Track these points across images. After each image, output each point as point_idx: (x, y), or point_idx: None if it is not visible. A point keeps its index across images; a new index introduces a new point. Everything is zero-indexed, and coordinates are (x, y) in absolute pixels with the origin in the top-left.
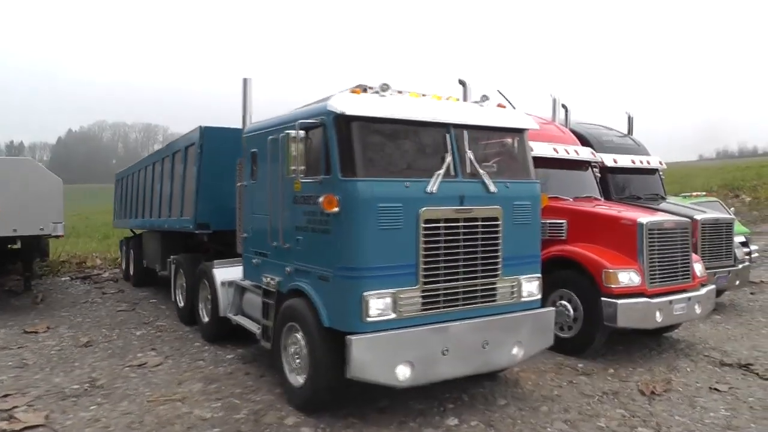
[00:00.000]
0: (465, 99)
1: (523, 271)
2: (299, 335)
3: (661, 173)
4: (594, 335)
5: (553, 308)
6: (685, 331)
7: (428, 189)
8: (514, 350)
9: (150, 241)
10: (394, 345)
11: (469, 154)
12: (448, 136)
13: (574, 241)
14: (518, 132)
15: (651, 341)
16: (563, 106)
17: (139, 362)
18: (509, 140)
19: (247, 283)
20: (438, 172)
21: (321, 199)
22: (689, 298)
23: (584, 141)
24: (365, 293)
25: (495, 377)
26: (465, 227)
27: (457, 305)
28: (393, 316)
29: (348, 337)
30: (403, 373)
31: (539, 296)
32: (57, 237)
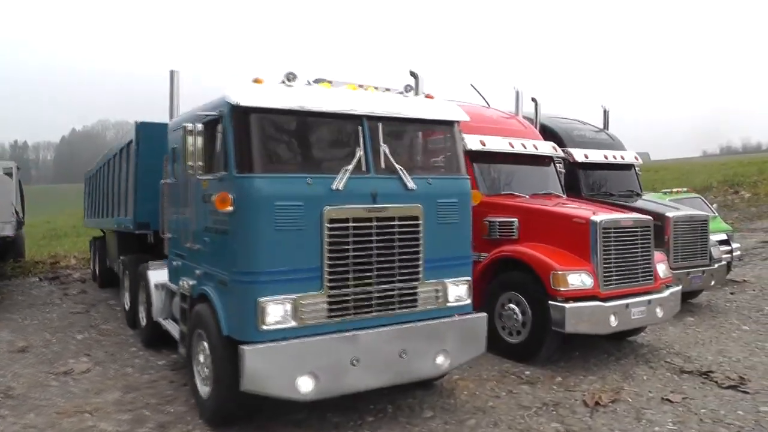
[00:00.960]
0: (417, 92)
1: (450, 274)
2: (205, 343)
3: (637, 169)
4: (543, 341)
5: (485, 314)
6: (651, 335)
7: (334, 186)
8: (439, 359)
9: (110, 240)
10: (294, 356)
11: (384, 148)
12: (360, 128)
13: (526, 240)
14: (446, 124)
15: (612, 346)
16: (533, 99)
17: (66, 369)
18: (436, 133)
19: (174, 286)
20: (346, 167)
21: (214, 198)
22: (649, 301)
23: (554, 136)
24: (261, 299)
25: (430, 386)
26: (379, 227)
27: (371, 312)
28: (293, 324)
29: (241, 347)
30: (305, 386)
31: (469, 301)
32: (5, 238)
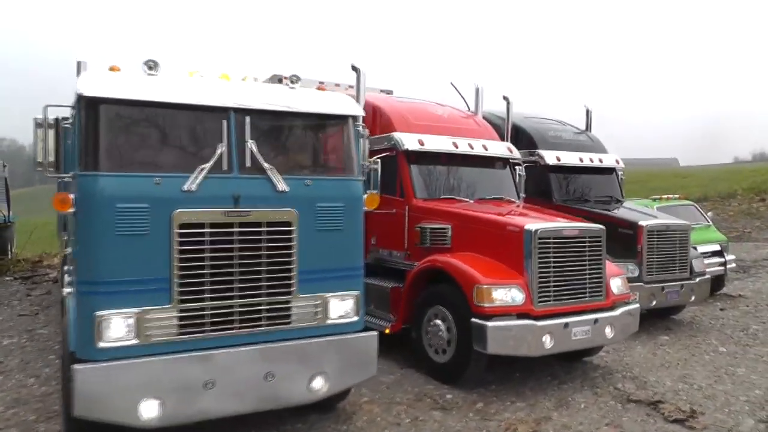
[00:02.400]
0: (358, 87)
1: (333, 288)
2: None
3: (620, 174)
4: (468, 362)
5: (375, 332)
6: (613, 355)
7: (185, 187)
8: (315, 383)
9: None
10: (135, 377)
11: (251, 145)
12: (225, 123)
13: (459, 249)
14: (337, 119)
15: (562, 368)
16: (504, 98)
17: None
18: (325, 129)
19: None
20: (202, 166)
21: (52, 197)
22: (596, 320)
23: (526, 136)
24: (98, 313)
25: (331, 407)
26: (242, 234)
27: (232, 328)
28: (136, 341)
29: (72, 366)
30: (148, 412)
31: (356, 318)
32: None
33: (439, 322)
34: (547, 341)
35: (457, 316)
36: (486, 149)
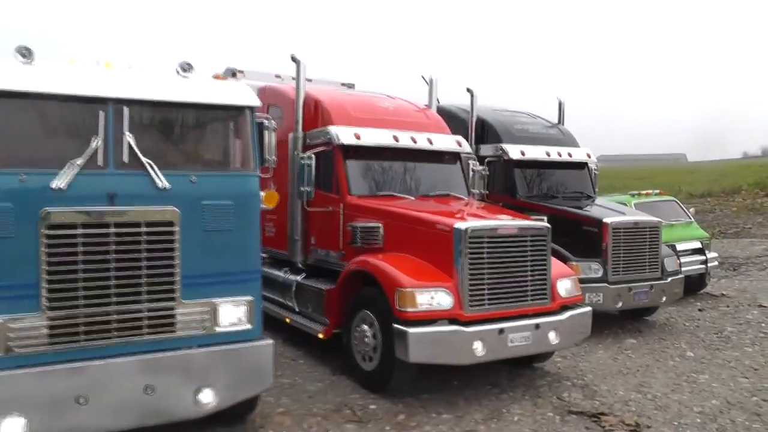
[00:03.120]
0: (298, 79)
1: (223, 293)
2: None
3: (594, 168)
4: (393, 369)
5: (271, 341)
6: (569, 361)
7: (55, 184)
8: (202, 396)
9: None
10: None
11: (129, 138)
12: (102, 114)
13: (391, 249)
14: (231, 111)
15: (507, 375)
16: (468, 90)
17: None
18: (216, 121)
19: None
20: (73, 161)
21: None
22: (537, 325)
23: (491, 130)
24: None
25: (240, 419)
26: (118, 235)
27: (110, 338)
28: None
29: None
30: (13, 429)
31: (250, 326)
32: None
33: (365, 327)
34: (479, 349)
35: (381, 322)
36: (431, 143)
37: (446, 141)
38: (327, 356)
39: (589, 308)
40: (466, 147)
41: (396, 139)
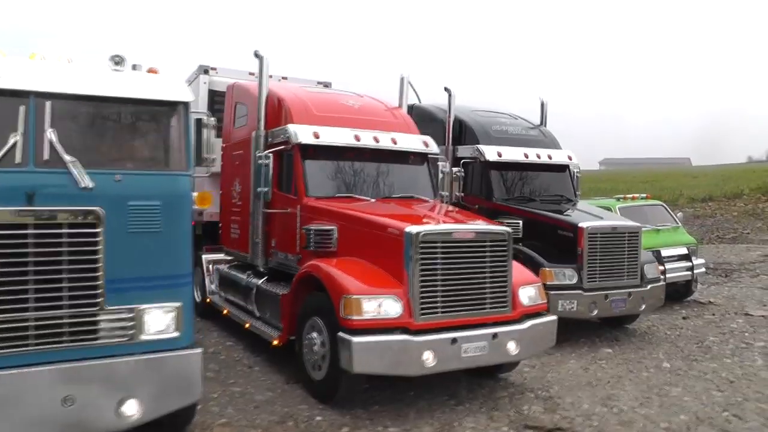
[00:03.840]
0: (261, 75)
1: (149, 299)
2: None
3: (576, 171)
4: (340, 379)
5: (199, 350)
6: (537, 371)
7: None
8: (126, 408)
9: None
10: None
11: (50, 134)
12: (23, 108)
13: (345, 253)
14: (161, 106)
15: (468, 384)
16: (446, 90)
17: None
18: (146, 118)
19: None
20: None
21: None
22: (495, 335)
23: (469, 131)
24: None
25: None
26: (38, 236)
27: (28, 345)
28: None
29: None
30: None
31: (177, 333)
32: None
33: (315, 335)
34: (429, 359)
35: (330, 330)
36: (395, 143)
37: (412, 141)
38: (285, 364)
39: (554, 317)
40: (433, 147)
41: (357, 138)
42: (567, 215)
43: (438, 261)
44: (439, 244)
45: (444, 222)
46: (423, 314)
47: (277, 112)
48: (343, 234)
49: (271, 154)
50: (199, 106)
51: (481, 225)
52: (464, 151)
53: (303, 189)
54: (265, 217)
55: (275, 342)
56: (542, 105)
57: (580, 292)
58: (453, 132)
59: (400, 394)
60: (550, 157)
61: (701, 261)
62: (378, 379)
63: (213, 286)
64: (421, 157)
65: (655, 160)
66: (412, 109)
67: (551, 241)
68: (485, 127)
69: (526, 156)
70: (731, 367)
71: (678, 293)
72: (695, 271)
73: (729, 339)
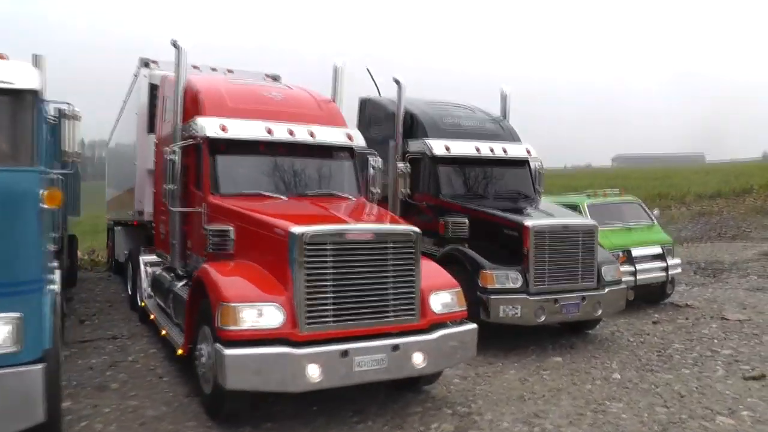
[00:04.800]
0: (178, 63)
1: None
2: None
3: (538, 166)
4: (224, 394)
5: (39, 367)
6: (467, 382)
7: None
8: None
9: None
10: None
11: None
12: None
13: (241, 256)
14: (7, 94)
15: (385, 398)
16: (395, 80)
17: None
18: None
19: None
20: None
21: None
22: (395, 346)
23: (418, 123)
24: None
25: None
26: None
27: None
28: None
29: None
30: None
31: (16, 348)
32: None
33: (203, 345)
34: (315, 374)
35: (213, 340)
36: (312, 136)
37: (333, 134)
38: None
39: (472, 326)
40: (358, 141)
41: (269, 131)
42: (514, 213)
43: (328, 264)
44: (329, 246)
45: (341, 221)
46: (309, 324)
47: (193, 104)
48: (239, 235)
49: (177, 149)
50: (141, 101)
51: (381, 225)
52: (413, 145)
53: (207, 186)
54: (182, 217)
55: (179, 351)
56: (503, 97)
57: (525, 296)
58: (404, 126)
59: (302, 410)
60: (505, 151)
61: (677, 261)
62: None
63: (148, 290)
64: (345, 152)
65: (669, 156)
66: (366, 102)
67: (498, 242)
68: (436, 119)
69: (478, 150)
70: (687, 378)
71: (653, 295)
72: (670, 272)
73: (695, 346)
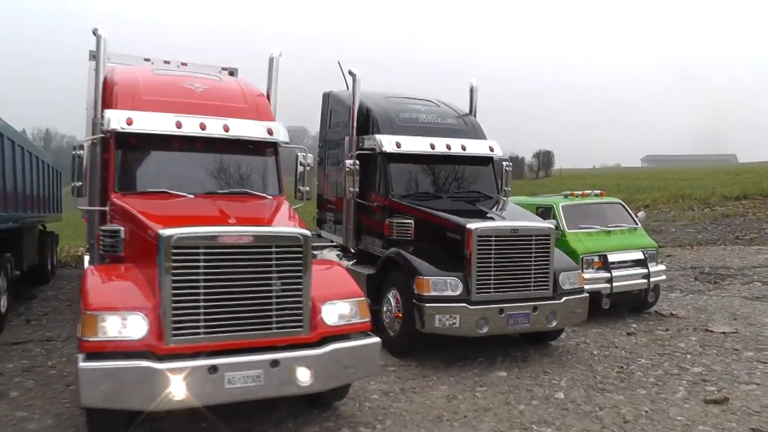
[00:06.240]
0: (98, 52)
1: None
2: None
3: (507, 165)
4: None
5: None
6: (388, 399)
7: None
8: None
9: None
10: None
11: None
12: None
13: (129, 259)
14: None
15: (289, 414)
16: (350, 73)
17: None
18: None
19: None
20: None
21: None
22: (274, 362)
23: (372, 119)
24: None
25: None
26: None
27: None
28: None
29: None
30: None
31: None
32: None
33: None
34: (179, 391)
35: None
36: (227, 130)
37: (251, 128)
38: None
39: (373, 340)
40: (281, 136)
41: (179, 125)
42: (460, 215)
43: (200, 270)
44: (201, 250)
45: (220, 223)
46: (176, 335)
47: (109, 96)
48: (128, 236)
49: (85, 144)
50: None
51: (263, 227)
52: (367, 141)
53: (111, 183)
54: (100, 217)
55: None
56: (471, 90)
57: (464, 305)
58: (360, 121)
59: (192, 426)
60: (464, 148)
61: (661, 267)
62: None
63: None
64: (267, 147)
65: (700, 157)
66: (328, 96)
67: (441, 245)
68: (391, 114)
69: (433, 147)
70: (641, 400)
71: (634, 303)
72: (653, 279)
73: (664, 362)
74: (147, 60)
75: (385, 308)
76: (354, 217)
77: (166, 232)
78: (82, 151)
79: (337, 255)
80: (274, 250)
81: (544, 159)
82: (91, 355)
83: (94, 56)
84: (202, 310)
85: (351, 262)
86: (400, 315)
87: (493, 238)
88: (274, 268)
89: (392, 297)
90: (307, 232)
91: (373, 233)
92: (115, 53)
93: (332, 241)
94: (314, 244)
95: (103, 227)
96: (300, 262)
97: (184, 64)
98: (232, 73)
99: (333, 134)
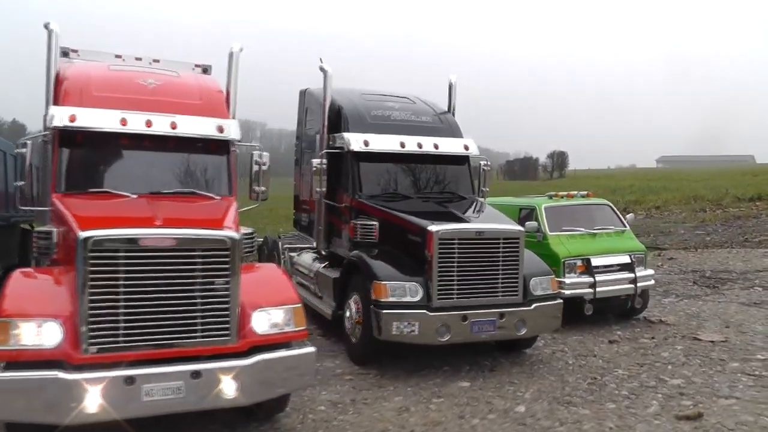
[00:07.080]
0: (49, 47)
1: None
2: None
3: (485, 164)
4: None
5: None
6: (335, 411)
7: None
8: None
9: None
10: None
11: None
12: None
13: (61, 262)
14: None
15: (229, 424)
16: (321, 69)
17: None
18: None
19: None
20: None
21: None
22: (195, 373)
23: (343, 116)
24: None
25: None
26: None
27: None
28: None
29: None
30: None
31: None
32: None
33: None
34: (93, 404)
35: None
36: (173, 127)
37: (201, 126)
38: None
39: (307, 349)
40: (232, 134)
41: (123, 122)
42: (423, 217)
43: (120, 275)
44: (121, 254)
45: (144, 224)
46: (93, 344)
47: (58, 92)
48: (61, 238)
49: (29, 143)
50: None
51: (187, 230)
52: (337, 140)
53: (54, 183)
54: (41, 218)
55: None
56: (450, 87)
57: (424, 312)
58: (332, 119)
59: None
60: (436, 147)
61: (649, 272)
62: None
63: None
64: (219, 146)
65: (716, 158)
66: (304, 93)
67: (404, 248)
68: (362, 112)
69: (403, 145)
70: (607, 415)
71: (621, 309)
72: (640, 284)
73: (641, 374)
74: (118, 57)
75: (347, 314)
76: (324, 219)
77: (84, 234)
78: (25, 150)
79: (313, 258)
80: (198, 254)
81: (558, 159)
82: (9, 365)
83: (65, 53)
84: (121, 318)
85: (322, 265)
86: (360, 321)
87: (456, 241)
88: (198, 273)
89: (353, 302)
90: (236, 235)
91: (341, 235)
92: (87, 50)
93: (309, 243)
94: (291, 246)
95: (38, 229)
96: (227, 266)
97: (156, 61)
98: (205, 70)
99: (308, 132)
